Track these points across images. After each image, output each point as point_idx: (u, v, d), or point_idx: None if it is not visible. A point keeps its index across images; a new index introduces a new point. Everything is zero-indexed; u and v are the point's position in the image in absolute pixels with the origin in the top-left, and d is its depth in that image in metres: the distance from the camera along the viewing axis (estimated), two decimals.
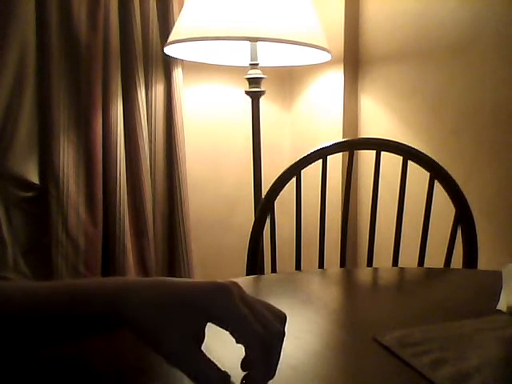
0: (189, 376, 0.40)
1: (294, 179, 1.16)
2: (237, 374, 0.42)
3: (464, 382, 0.46)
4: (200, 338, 0.43)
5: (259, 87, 1.55)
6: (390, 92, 1.67)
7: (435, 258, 1.16)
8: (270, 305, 0.45)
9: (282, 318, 0.45)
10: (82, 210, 1.57)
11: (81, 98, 1.55)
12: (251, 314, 0.42)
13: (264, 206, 1.13)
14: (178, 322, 0.41)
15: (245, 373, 0.43)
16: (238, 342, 0.42)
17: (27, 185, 1.52)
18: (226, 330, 0.42)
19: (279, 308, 0.46)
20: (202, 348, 0.42)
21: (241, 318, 0.41)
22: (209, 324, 0.43)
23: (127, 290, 0.43)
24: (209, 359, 0.41)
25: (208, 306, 0.41)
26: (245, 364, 0.44)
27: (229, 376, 0.41)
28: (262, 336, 0.41)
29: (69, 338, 0.46)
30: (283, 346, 0.43)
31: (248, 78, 1.55)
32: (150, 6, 1.64)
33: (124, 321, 0.42)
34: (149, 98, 1.68)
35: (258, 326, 0.41)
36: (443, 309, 0.68)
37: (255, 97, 1.57)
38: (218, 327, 0.42)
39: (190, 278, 1.72)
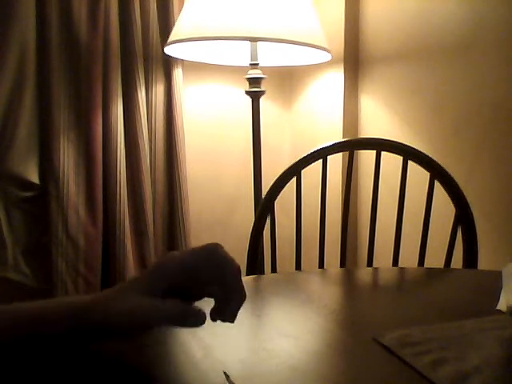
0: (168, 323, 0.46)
1: (294, 179, 1.16)
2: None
3: (464, 381, 0.46)
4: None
5: (259, 87, 1.55)
6: (390, 92, 1.67)
7: (435, 258, 1.16)
8: None
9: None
10: (81, 210, 1.56)
11: (81, 98, 1.55)
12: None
13: (264, 206, 1.13)
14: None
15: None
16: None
17: (27, 185, 1.52)
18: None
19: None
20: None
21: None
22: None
23: (96, 303, 0.48)
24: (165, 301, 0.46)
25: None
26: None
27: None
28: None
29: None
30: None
31: (248, 78, 1.55)
32: (150, 6, 1.64)
33: (95, 326, 0.46)
34: (149, 98, 1.68)
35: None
36: (443, 309, 0.68)
37: (255, 97, 1.57)
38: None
39: None
